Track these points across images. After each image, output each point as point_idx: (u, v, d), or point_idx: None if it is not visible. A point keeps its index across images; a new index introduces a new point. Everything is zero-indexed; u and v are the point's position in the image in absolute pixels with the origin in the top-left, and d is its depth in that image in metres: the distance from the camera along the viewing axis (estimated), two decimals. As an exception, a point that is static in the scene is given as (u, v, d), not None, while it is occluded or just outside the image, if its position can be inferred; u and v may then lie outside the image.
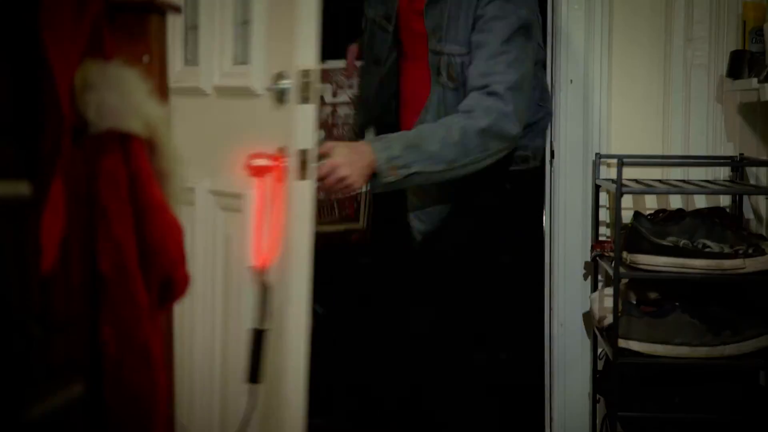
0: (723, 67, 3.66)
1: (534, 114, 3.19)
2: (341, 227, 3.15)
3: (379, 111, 3.35)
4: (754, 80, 3.35)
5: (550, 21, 3.65)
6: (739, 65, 3.50)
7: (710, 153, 3.73)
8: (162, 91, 1.87)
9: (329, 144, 2.91)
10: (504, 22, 2.98)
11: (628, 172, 3.69)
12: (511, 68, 2.97)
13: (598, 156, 3.70)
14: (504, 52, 2.97)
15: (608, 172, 3.71)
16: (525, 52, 2.99)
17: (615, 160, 3.48)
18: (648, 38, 3.75)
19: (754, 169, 3.69)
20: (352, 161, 2.86)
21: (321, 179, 2.85)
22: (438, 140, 2.94)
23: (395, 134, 2.99)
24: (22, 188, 1.34)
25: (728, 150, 3.73)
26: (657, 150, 3.76)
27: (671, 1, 3.72)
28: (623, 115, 3.76)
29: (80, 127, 1.59)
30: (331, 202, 3.21)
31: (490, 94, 2.96)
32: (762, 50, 3.42)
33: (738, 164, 3.66)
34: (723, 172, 3.74)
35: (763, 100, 3.33)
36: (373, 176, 2.91)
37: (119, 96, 1.63)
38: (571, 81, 3.68)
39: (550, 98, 3.28)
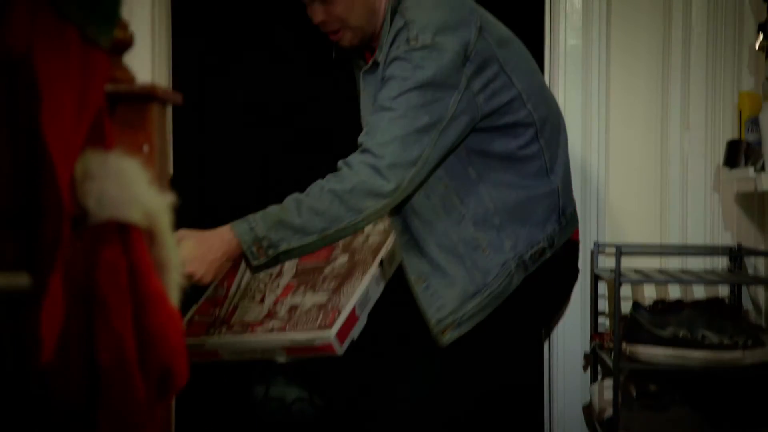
0: (720, 155, 3.68)
1: (531, 185, 3.07)
2: (312, 336, 3.06)
3: None
4: (751, 169, 3.36)
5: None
6: (735, 154, 3.51)
7: (708, 242, 3.73)
8: (162, 180, 1.86)
9: (179, 234, 2.86)
10: (397, 80, 2.91)
11: (627, 262, 3.69)
12: (394, 123, 2.87)
13: (597, 245, 3.70)
14: (389, 108, 2.89)
15: (606, 262, 3.70)
16: (423, 109, 2.88)
17: (613, 249, 3.48)
18: (644, 126, 3.77)
19: (752, 258, 3.69)
20: (198, 255, 2.81)
21: None
22: (304, 211, 2.85)
23: (261, 212, 2.89)
24: (21, 280, 1.33)
25: (726, 239, 3.73)
26: (655, 239, 3.76)
27: (667, 91, 3.75)
28: (621, 204, 3.77)
29: (80, 218, 1.58)
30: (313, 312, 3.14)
31: (364, 151, 2.88)
32: (758, 140, 3.44)
33: (736, 254, 3.66)
34: (721, 262, 3.74)
35: (760, 190, 3.34)
36: (245, 260, 2.88)
37: (119, 186, 1.63)
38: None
39: (548, 172, 3.10)
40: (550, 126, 3.11)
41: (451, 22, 2.95)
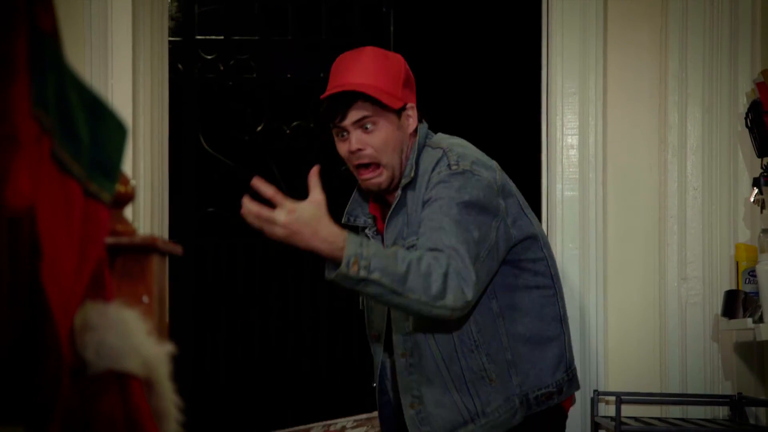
0: (718, 305, 3.69)
1: (545, 328, 3.07)
2: None
3: None
4: (749, 320, 3.38)
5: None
6: (733, 305, 3.53)
7: (708, 391, 3.72)
8: (161, 330, 1.88)
9: (316, 198, 2.85)
10: (444, 200, 2.94)
11: (627, 410, 3.67)
12: (455, 227, 2.90)
13: (597, 393, 3.69)
14: (443, 219, 2.91)
15: (607, 410, 3.70)
16: (472, 224, 2.91)
17: (613, 398, 3.47)
18: (642, 277, 3.79)
19: (753, 408, 3.68)
20: (311, 223, 2.79)
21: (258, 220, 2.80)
22: (407, 264, 2.84)
23: (376, 243, 2.94)
24: (18, 432, 1.34)
25: (726, 389, 3.72)
26: (655, 387, 3.76)
27: (664, 242, 3.78)
28: (621, 353, 3.78)
29: (78, 368, 1.59)
30: None
31: (439, 250, 2.88)
32: (756, 290, 3.46)
33: (737, 404, 3.65)
34: (722, 411, 3.73)
35: (759, 340, 3.35)
36: (334, 266, 2.83)
37: (118, 337, 1.64)
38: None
39: (562, 319, 3.09)
40: (559, 280, 3.14)
41: (482, 159, 3.05)
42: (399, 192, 3.08)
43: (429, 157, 3.06)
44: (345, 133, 3.07)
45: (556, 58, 3.85)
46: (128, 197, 1.79)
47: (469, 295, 2.87)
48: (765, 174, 3.58)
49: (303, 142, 6.12)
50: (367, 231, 3.20)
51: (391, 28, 5.98)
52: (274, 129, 6.11)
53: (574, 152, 3.81)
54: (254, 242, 6.08)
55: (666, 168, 3.80)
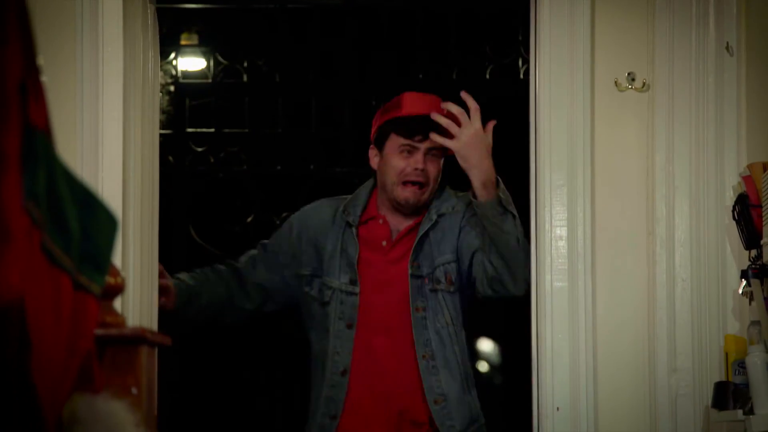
0: (708, 397, 3.68)
1: None
2: None
3: None
4: (740, 412, 3.37)
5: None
6: (723, 397, 3.52)
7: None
8: (150, 422, 1.88)
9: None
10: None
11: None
12: None
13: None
14: None
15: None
16: None
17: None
18: (632, 369, 3.79)
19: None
20: (479, 150, 3.56)
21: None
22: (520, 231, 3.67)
23: None
24: None
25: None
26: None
27: (653, 333, 3.78)
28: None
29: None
30: None
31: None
32: (745, 382, 3.45)
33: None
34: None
35: (749, 433, 3.34)
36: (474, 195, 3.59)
37: (107, 429, 1.64)
38: (558, 408, 3.69)
39: None
40: None
41: None
42: (434, 216, 3.77)
43: (462, 199, 3.81)
44: (410, 151, 3.72)
45: (545, 151, 3.88)
46: (118, 289, 1.80)
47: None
48: (753, 266, 3.59)
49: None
50: (352, 229, 3.80)
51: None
52: (264, 220, 6.12)
53: (563, 243, 3.82)
54: (243, 332, 6.06)
55: (654, 260, 3.81)
